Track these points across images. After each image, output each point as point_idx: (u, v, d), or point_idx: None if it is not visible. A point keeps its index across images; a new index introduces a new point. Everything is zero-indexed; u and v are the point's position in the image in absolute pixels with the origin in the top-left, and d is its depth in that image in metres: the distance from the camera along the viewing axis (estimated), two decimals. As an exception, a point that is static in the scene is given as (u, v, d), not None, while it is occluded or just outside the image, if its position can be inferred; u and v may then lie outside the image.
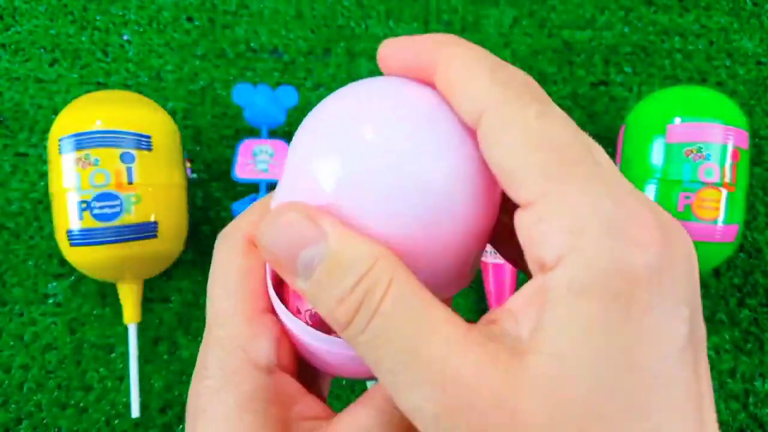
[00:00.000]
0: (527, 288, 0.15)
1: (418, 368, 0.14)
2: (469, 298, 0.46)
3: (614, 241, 0.13)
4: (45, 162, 0.47)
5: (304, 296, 0.16)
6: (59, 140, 0.38)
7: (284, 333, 0.19)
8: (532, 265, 0.15)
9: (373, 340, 0.14)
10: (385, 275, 0.14)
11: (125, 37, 0.50)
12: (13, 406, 0.43)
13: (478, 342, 0.14)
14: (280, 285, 0.19)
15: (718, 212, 0.38)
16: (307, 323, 0.18)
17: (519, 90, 0.15)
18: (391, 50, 0.18)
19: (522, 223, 0.15)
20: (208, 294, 0.20)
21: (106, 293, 0.45)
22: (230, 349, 0.18)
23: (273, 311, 0.19)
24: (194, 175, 0.47)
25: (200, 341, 0.21)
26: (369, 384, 0.21)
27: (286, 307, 0.19)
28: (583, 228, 0.13)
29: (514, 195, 0.15)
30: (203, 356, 0.19)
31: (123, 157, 0.38)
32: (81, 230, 0.37)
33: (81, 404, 0.44)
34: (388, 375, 0.14)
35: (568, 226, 0.14)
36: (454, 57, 0.16)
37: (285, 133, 0.48)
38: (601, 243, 0.13)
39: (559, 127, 0.15)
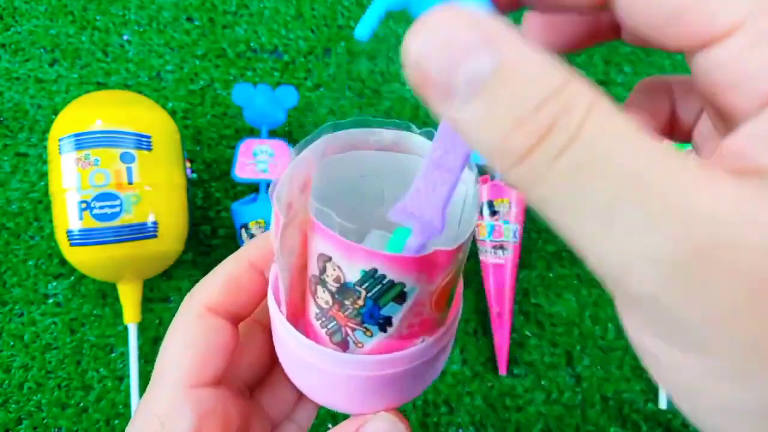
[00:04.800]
0: (760, 125, 0.12)
1: (649, 202, 0.10)
2: (469, 299, 0.46)
3: None
4: (45, 162, 0.47)
5: (457, 128, 0.12)
6: (59, 140, 0.38)
7: (213, 412, 0.20)
8: (749, 100, 0.12)
9: (574, 171, 0.11)
10: (583, 98, 0.11)
11: (125, 37, 0.50)
12: (13, 406, 0.43)
13: (725, 177, 0.11)
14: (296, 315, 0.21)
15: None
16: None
17: None
18: None
19: (725, 55, 0.12)
20: (159, 353, 0.21)
21: (106, 293, 0.45)
22: (149, 420, 0.19)
23: (215, 383, 0.20)
24: (194, 175, 0.47)
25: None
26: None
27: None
28: None
29: (706, 23, 0.12)
30: (131, 421, 0.20)
31: (123, 157, 0.38)
32: (81, 230, 0.37)
33: (81, 404, 0.44)
34: (593, 218, 0.11)
35: None
36: None
37: (285, 133, 0.48)
38: None
39: None
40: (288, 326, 0.20)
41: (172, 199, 0.40)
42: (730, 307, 0.11)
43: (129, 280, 0.41)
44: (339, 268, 0.18)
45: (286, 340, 0.20)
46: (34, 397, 0.43)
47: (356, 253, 0.17)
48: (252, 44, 0.50)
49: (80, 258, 0.38)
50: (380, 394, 0.21)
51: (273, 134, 0.47)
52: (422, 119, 0.48)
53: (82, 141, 0.37)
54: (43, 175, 0.47)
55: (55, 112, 0.47)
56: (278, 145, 0.45)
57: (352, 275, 0.18)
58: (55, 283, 0.45)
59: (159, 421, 0.19)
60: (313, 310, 0.20)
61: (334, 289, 0.18)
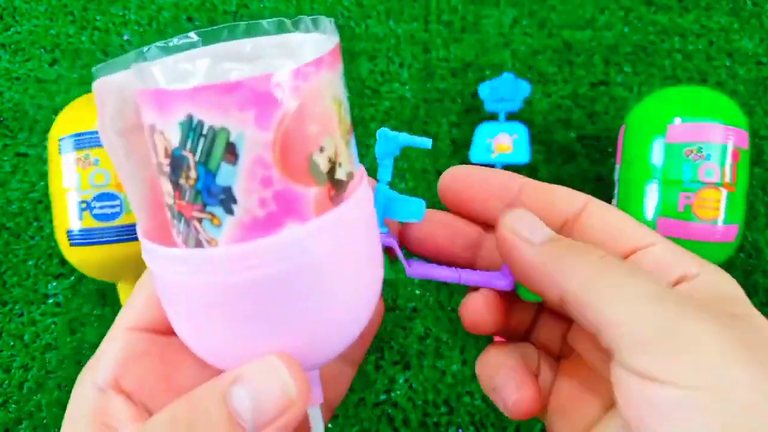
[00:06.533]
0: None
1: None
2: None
3: None
4: (45, 162, 0.47)
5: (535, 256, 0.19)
6: (59, 140, 0.38)
7: (146, 353, 0.20)
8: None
9: (637, 271, 0.18)
10: None
11: (125, 37, 0.50)
12: (13, 406, 0.43)
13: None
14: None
15: (718, 212, 0.38)
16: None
17: None
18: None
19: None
20: None
21: (106, 293, 0.45)
22: (91, 358, 0.21)
23: (158, 330, 0.20)
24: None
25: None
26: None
27: None
28: None
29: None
30: None
31: (123, 157, 0.38)
32: (81, 230, 0.37)
33: (81, 404, 0.44)
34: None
35: None
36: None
37: (285, 133, 0.48)
38: None
39: None
40: (143, 242, 0.18)
41: (172, 199, 0.40)
42: None
43: (129, 280, 0.41)
44: (162, 133, 0.16)
45: (148, 263, 0.18)
46: (34, 397, 0.43)
47: (165, 99, 0.15)
48: (252, 44, 0.50)
49: (80, 258, 0.38)
50: (253, 318, 0.17)
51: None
52: (422, 119, 0.49)
53: (82, 141, 0.37)
54: (43, 175, 0.47)
55: (55, 112, 0.47)
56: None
57: (174, 136, 0.15)
58: (55, 283, 0.45)
59: (95, 359, 0.20)
60: (168, 218, 0.17)
61: (168, 170, 0.16)
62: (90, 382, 0.20)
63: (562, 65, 0.50)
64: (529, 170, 0.48)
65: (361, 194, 0.18)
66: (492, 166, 0.47)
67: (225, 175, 0.15)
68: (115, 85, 0.17)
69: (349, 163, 0.18)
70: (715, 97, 0.40)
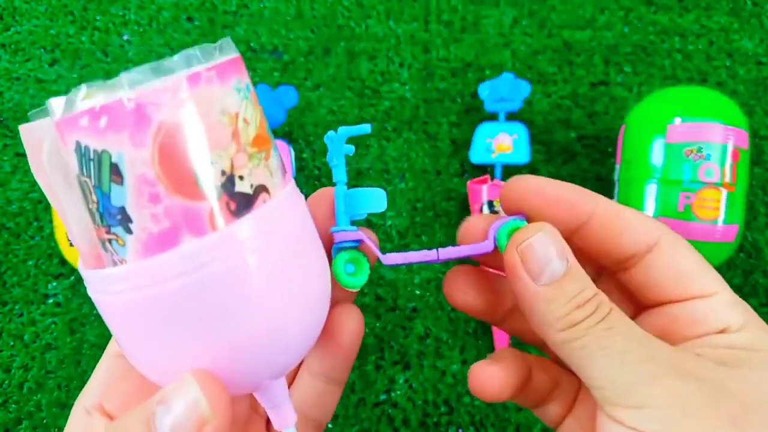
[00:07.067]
0: None
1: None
2: (469, 298, 0.46)
3: None
4: (45, 162, 0.47)
5: (532, 296, 0.19)
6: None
7: (124, 377, 0.21)
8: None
9: (606, 330, 0.18)
10: (607, 300, 0.19)
11: (125, 37, 0.50)
12: (13, 406, 0.43)
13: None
14: None
15: (718, 212, 0.38)
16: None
17: None
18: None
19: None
20: None
21: (106, 293, 0.45)
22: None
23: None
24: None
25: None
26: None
27: None
28: None
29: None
30: None
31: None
32: (81, 230, 0.37)
33: (81, 404, 0.44)
34: (613, 358, 0.18)
35: None
36: None
37: (285, 133, 0.48)
38: None
39: None
40: (80, 270, 0.18)
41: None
42: None
43: (129, 280, 0.41)
44: (69, 163, 0.16)
45: (88, 291, 0.18)
46: (34, 397, 0.43)
47: (60, 130, 0.16)
48: (252, 44, 0.50)
49: (80, 258, 0.38)
50: (168, 334, 0.17)
51: (273, 134, 0.47)
52: (422, 119, 0.49)
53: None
54: (43, 175, 0.47)
55: (55, 112, 0.47)
56: (278, 145, 0.45)
57: (75, 164, 0.16)
58: (55, 283, 0.45)
59: (87, 384, 0.21)
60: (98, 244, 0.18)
61: (81, 196, 0.17)
62: (80, 406, 0.21)
63: (562, 65, 0.50)
64: (529, 170, 0.48)
65: (275, 206, 0.18)
66: (492, 166, 0.47)
67: (117, 196, 0.16)
68: (50, 125, 0.17)
69: (258, 176, 0.17)
70: (715, 97, 0.40)
